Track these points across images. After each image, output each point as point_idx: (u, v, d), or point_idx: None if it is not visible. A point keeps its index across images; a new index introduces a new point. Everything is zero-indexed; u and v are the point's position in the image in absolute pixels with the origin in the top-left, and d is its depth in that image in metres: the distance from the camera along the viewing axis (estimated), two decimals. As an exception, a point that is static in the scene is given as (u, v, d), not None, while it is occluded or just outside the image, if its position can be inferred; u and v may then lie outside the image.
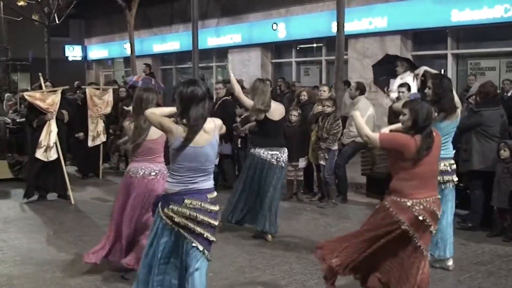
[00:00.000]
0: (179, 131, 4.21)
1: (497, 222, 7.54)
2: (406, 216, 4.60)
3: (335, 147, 9.21)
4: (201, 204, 4.32)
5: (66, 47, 30.65)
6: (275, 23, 18.22)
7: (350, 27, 14.54)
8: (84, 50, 31.01)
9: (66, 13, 25.92)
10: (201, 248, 4.40)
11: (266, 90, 7.34)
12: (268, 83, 7.82)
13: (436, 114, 6.00)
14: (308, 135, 9.55)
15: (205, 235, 4.39)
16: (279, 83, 15.11)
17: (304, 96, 10.39)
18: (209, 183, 4.44)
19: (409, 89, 8.65)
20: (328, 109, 9.17)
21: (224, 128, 4.63)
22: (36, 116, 9.53)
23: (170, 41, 23.37)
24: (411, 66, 9.52)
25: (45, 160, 9.38)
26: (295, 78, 18.48)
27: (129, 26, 20.18)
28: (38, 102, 9.49)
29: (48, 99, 9.53)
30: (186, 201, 4.30)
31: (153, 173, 5.76)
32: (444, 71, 14.53)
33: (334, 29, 12.97)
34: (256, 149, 7.46)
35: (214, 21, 20.88)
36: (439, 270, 6.14)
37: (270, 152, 7.35)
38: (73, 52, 30.98)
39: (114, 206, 6.06)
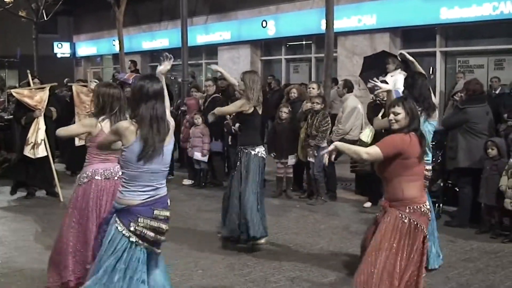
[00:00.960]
0: (134, 131, 3.85)
1: (485, 219, 7.59)
2: (425, 223, 4.35)
3: (324, 144, 9.22)
4: (165, 214, 4.05)
5: (55, 44, 30.46)
6: (264, 20, 18.20)
7: (339, 24, 14.54)
8: (73, 47, 30.84)
9: (55, 10, 25.78)
10: (158, 251, 4.10)
11: (259, 82, 7.05)
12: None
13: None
14: (298, 132, 9.56)
15: (161, 241, 4.09)
16: (269, 80, 15.12)
17: (294, 93, 10.41)
18: (166, 189, 4.12)
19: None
20: (317, 107, 9.19)
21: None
22: (24, 113, 9.49)
23: (159, 38, 23.30)
24: (403, 64, 9.55)
25: (32, 157, 9.33)
26: (284, 75, 18.50)
27: (118, 23, 20.09)
28: (26, 99, 9.44)
29: (36, 96, 9.48)
30: (156, 212, 3.96)
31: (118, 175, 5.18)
32: (433, 69, 14.61)
33: (323, 26, 12.97)
34: (256, 148, 6.93)
35: (203, 18, 20.84)
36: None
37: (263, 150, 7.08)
38: (61, 49, 30.79)
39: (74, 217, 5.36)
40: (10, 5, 24.40)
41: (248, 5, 18.97)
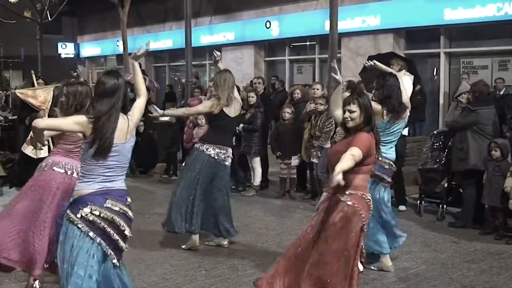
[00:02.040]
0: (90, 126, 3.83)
1: (489, 221, 7.58)
2: (366, 212, 4.46)
3: (328, 145, 9.20)
4: (121, 207, 3.98)
5: (59, 44, 30.50)
6: (268, 21, 18.20)
7: (343, 25, 14.54)
8: (77, 47, 30.89)
9: (59, 10, 25.81)
10: (115, 262, 3.97)
11: (234, 82, 6.94)
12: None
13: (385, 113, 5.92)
14: (301, 133, 9.56)
15: (120, 245, 3.99)
16: (273, 81, 15.11)
17: (298, 94, 10.41)
18: (125, 185, 4.09)
19: None
20: (321, 107, 9.19)
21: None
22: (28, 113, 9.50)
23: (163, 39, 23.32)
24: (408, 66, 9.53)
25: (34, 157, 9.32)
26: (288, 76, 18.49)
27: (122, 23, 20.11)
28: (31, 100, 9.45)
29: (41, 97, 9.49)
30: (109, 201, 3.90)
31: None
32: (437, 70, 14.59)
33: (327, 27, 12.96)
34: (205, 145, 6.80)
35: (207, 19, 20.85)
36: (430, 268, 6.17)
37: (219, 151, 6.81)
38: (65, 50, 30.84)
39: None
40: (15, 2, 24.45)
41: (252, 5, 18.98)
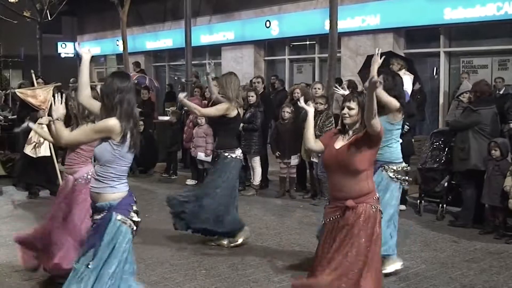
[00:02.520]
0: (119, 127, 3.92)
1: (489, 220, 7.58)
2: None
3: (328, 145, 9.21)
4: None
5: (59, 44, 30.49)
6: (268, 20, 18.20)
7: (343, 24, 14.54)
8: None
9: (58, 10, 25.78)
10: None
11: (239, 85, 7.09)
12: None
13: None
14: (301, 132, 9.53)
15: None
16: (273, 81, 15.12)
17: (298, 93, 10.40)
18: None
19: None
20: (321, 107, 9.19)
21: None
22: (28, 113, 9.51)
23: (163, 38, 23.31)
24: (408, 65, 9.54)
25: (34, 156, 9.35)
26: (288, 75, 18.49)
27: (121, 23, 20.10)
28: (30, 99, 9.46)
29: (40, 96, 9.50)
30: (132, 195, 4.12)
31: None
32: (436, 69, 14.59)
33: (327, 26, 12.97)
34: (236, 151, 6.93)
35: (207, 18, 20.85)
36: (430, 268, 6.17)
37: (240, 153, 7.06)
38: (65, 49, 30.82)
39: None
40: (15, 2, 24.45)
41: (252, 5, 18.98)
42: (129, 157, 4.02)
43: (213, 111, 7.02)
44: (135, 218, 4.01)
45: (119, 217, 3.94)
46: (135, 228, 4.01)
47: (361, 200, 4.36)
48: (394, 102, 5.81)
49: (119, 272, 3.96)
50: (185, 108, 11.91)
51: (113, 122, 3.91)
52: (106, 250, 3.91)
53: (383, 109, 5.69)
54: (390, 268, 5.90)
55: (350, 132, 4.51)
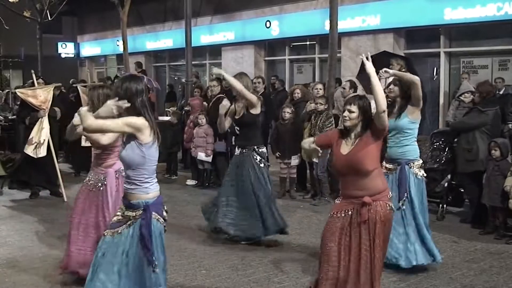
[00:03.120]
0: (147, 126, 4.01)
1: (489, 220, 7.58)
2: None
3: (328, 145, 9.21)
4: None
5: (59, 44, 30.49)
6: (268, 21, 18.21)
7: (343, 25, 14.54)
8: (77, 47, 30.87)
9: (59, 10, 25.80)
10: None
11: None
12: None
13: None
14: (301, 132, 9.56)
15: None
16: (273, 81, 15.12)
17: (298, 93, 10.41)
18: None
19: None
20: (321, 107, 9.20)
21: None
22: (29, 113, 9.52)
23: (163, 39, 23.32)
24: (408, 65, 9.52)
25: (34, 156, 9.35)
26: (288, 76, 18.49)
27: (122, 23, 20.10)
28: (31, 99, 9.46)
29: (41, 97, 9.50)
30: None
31: None
32: (436, 69, 14.59)
33: (327, 27, 12.96)
34: (262, 147, 7.27)
35: (207, 18, 20.85)
36: (430, 268, 6.17)
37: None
38: (65, 49, 30.82)
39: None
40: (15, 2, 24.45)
41: (252, 5, 18.98)
42: (157, 156, 4.13)
43: (252, 96, 7.02)
44: (166, 216, 4.19)
45: (155, 215, 4.08)
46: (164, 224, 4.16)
47: (377, 198, 4.44)
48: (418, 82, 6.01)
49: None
50: (186, 108, 11.93)
51: (142, 121, 3.98)
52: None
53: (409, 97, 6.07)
54: None
55: (353, 136, 4.55)
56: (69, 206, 9.18)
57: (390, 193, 4.66)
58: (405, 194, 5.97)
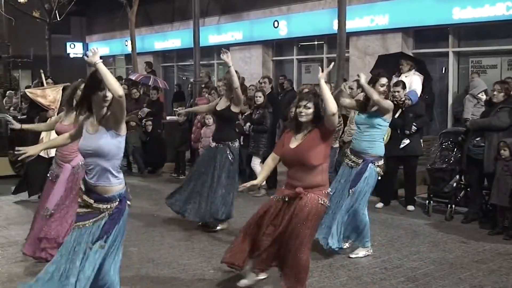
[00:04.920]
0: None
1: (498, 221, 7.55)
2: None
3: (336, 145, 9.22)
4: None
5: (67, 44, 30.62)
6: (276, 20, 18.20)
7: (352, 24, 14.50)
8: (85, 47, 30.97)
9: (67, 10, 25.90)
10: None
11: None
12: None
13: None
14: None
15: None
16: (281, 81, 15.10)
17: (306, 93, 10.38)
18: None
19: (404, 87, 8.72)
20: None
21: None
22: (38, 113, 9.55)
23: (171, 39, 23.35)
24: (419, 66, 9.49)
25: (46, 156, 9.39)
26: (296, 75, 18.46)
27: (130, 23, 20.16)
28: (40, 99, 9.50)
29: (50, 96, 9.54)
30: None
31: None
32: (445, 69, 14.54)
33: (335, 26, 12.94)
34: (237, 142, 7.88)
35: (215, 18, 20.87)
36: (439, 268, 6.15)
37: None
38: (74, 49, 30.95)
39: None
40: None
41: (260, 5, 18.97)
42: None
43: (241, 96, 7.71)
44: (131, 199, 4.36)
45: (129, 204, 4.28)
46: None
47: (311, 190, 4.89)
48: (386, 104, 6.46)
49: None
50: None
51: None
52: (119, 236, 4.23)
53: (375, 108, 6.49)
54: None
55: (303, 131, 4.97)
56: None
57: (330, 190, 5.08)
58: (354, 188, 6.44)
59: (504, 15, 12.67)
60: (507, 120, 7.70)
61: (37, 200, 9.61)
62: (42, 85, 9.93)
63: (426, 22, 14.20)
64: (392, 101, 8.87)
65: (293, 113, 5.17)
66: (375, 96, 6.39)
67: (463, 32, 14.36)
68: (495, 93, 7.88)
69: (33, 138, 9.73)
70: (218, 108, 7.67)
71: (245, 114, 10.18)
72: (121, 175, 4.26)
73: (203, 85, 13.79)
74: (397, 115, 8.80)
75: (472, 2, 13.18)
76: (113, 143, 4.12)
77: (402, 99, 8.72)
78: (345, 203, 6.46)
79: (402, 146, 8.70)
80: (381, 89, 6.56)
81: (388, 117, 6.55)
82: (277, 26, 18.19)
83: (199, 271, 6.07)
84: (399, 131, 8.76)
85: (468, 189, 8.43)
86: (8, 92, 19.37)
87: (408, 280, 5.82)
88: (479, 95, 9.34)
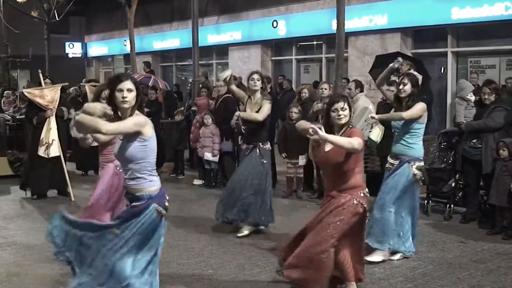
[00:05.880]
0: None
1: (496, 220, 7.55)
2: (366, 203, 5.10)
3: (335, 145, 9.19)
4: None
5: (66, 44, 30.60)
6: (275, 20, 18.20)
7: (350, 24, 14.51)
8: (84, 47, 30.97)
9: (66, 10, 25.89)
10: None
11: None
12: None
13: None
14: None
15: None
16: (280, 81, 15.10)
17: (305, 93, 10.39)
18: None
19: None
20: (328, 107, 9.17)
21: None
22: (36, 113, 9.55)
23: (170, 38, 23.35)
24: (417, 66, 9.48)
25: (46, 157, 9.41)
26: (295, 75, 18.47)
27: (129, 23, 20.15)
28: (38, 99, 9.50)
29: (48, 96, 9.54)
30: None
31: None
32: (444, 69, 14.55)
33: (334, 26, 12.94)
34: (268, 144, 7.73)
35: (214, 18, 20.86)
36: (438, 268, 6.16)
37: None
38: (73, 49, 30.93)
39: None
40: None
41: (259, 5, 18.98)
42: (156, 148, 4.26)
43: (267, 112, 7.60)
44: (168, 207, 4.31)
45: (157, 207, 4.21)
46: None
47: (347, 192, 4.95)
48: (417, 111, 6.36)
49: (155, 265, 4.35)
50: (193, 108, 11.95)
51: (144, 118, 4.21)
52: (140, 235, 4.19)
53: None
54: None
55: (336, 134, 4.96)
56: (77, 206, 9.25)
57: (367, 190, 5.10)
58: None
59: (503, 15, 12.68)
60: (501, 120, 7.72)
61: (36, 200, 9.65)
62: (40, 85, 9.92)
63: (425, 22, 14.21)
64: (386, 100, 8.87)
65: (322, 118, 5.24)
66: (403, 115, 6.36)
67: (462, 32, 14.38)
68: (486, 96, 7.86)
69: (33, 138, 9.75)
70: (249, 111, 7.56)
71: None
72: (153, 178, 4.26)
73: (200, 85, 13.79)
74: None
75: (471, 2, 13.20)
76: (138, 147, 4.15)
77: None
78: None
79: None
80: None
81: (422, 118, 6.44)
82: (276, 26, 18.19)
83: (198, 271, 6.07)
84: (393, 131, 8.74)
85: (466, 189, 8.43)
86: (5, 92, 19.34)
87: (406, 280, 5.82)
88: (468, 97, 9.32)
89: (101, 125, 3.98)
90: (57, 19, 25.79)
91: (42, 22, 26.04)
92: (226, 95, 10.49)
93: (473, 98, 9.00)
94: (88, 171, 12.19)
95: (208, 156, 10.54)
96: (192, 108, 12.08)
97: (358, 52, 15.83)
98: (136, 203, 4.23)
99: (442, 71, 14.64)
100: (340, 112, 4.90)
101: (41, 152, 9.37)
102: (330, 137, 4.76)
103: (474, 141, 7.91)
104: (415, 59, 10.88)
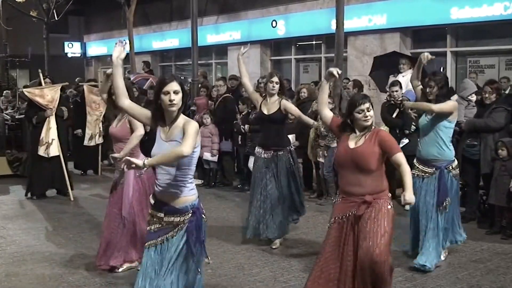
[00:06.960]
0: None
1: (496, 220, 7.55)
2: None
3: (334, 145, 9.18)
4: None
5: (65, 43, 30.57)
6: (274, 20, 18.19)
7: (350, 24, 14.50)
8: (83, 46, 30.95)
9: (65, 10, 25.86)
10: None
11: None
12: None
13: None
14: (307, 132, 9.55)
15: None
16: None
17: (304, 93, 10.40)
18: None
19: (401, 87, 8.74)
20: (329, 106, 9.16)
21: None
22: (36, 112, 9.55)
23: (169, 38, 23.34)
24: (414, 64, 9.50)
25: (46, 156, 9.41)
26: (294, 75, 18.47)
27: (128, 22, 20.14)
28: (38, 99, 9.50)
29: (48, 96, 9.54)
30: None
31: None
32: (443, 69, 14.55)
33: (333, 26, 12.92)
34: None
35: (213, 18, 20.86)
36: (436, 268, 6.16)
37: None
38: (72, 49, 30.90)
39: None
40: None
41: (258, 5, 18.97)
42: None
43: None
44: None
45: (204, 218, 4.14)
46: None
47: (378, 197, 4.51)
48: (449, 107, 6.12)
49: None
50: (192, 108, 11.95)
51: (196, 123, 4.01)
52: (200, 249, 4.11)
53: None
54: None
55: (359, 133, 4.59)
56: (76, 205, 9.26)
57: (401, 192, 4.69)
58: (446, 199, 6.12)
59: (502, 14, 12.69)
60: (502, 121, 7.71)
61: (36, 200, 9.65)
62: (40, 84, 9.92)
63: (424, 22, 14.21)
64: (390, 101, 8.93)
65: (344, 118, 4.73)
66: (432, 107, 6.05)
67: (461, 32, 14.38)
68: (486, 95, 7.84)
69: (32, 138, 9.74)
70: (266, 112, 6.93)
71: (243, 113, 10.17)
72: (193, 186, 4.08)
73: (199, 85, 13.79)
74: (395, 114, 8.82)
75: (470, 2, 13.20)
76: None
77: (399, 99, 8.74)
78: (437, 221, 6.16)
79: (401, 145, 8.68)
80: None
81: (453, 117, 6.17)
82: (275, 25, 18.18)
83: (197, 271, 6.06)
84: (398, 131, 8.77)
85: (465, 189, 8.43)
86: (4, 92, 19.33)
87: (406, 279, 5.83)
88: (469, 97, 9.30)
89: (179, 152, 3.76)
90: (56, 18, 25.76)
91: (41, 22, 26.00)
92: (225, 95, 10.50)
93: (474, 98, 8.98)
94: (87, 171, 12.18)
95: (207, 156, 10.54)
96: (191, 108, 12.07)
97: (357, 52, 15.83)
98: (177, 218, 4.03)
99: (441, 71, 14.63)
100: (367, 113, 4.52)
101: (41, 151, 9.38)
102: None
103: (474, 142, 7.91)
104: (412, 57, 10.87)
